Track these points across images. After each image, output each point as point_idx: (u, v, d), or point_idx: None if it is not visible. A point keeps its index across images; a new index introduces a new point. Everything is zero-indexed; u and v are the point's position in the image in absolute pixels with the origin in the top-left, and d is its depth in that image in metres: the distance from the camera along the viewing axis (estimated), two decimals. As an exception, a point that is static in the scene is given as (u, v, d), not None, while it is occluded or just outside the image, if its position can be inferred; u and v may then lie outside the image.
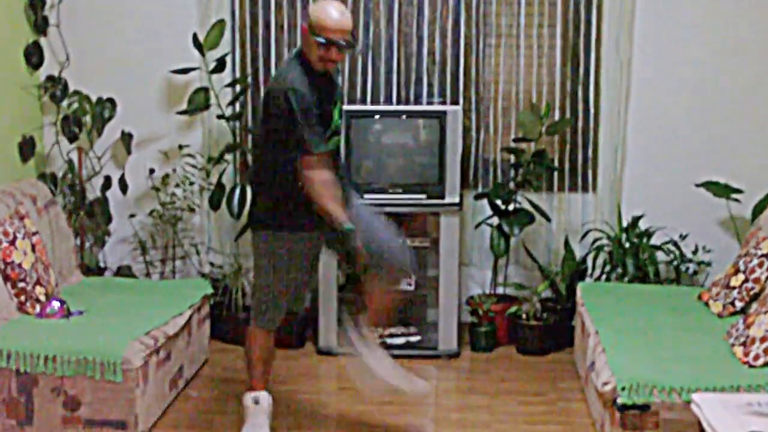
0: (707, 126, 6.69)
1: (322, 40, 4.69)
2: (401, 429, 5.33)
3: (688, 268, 6.56)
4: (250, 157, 6.73)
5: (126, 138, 6.73)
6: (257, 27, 6.84)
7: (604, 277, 6.50)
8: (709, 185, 6.52)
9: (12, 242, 5.43)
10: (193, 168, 6.78)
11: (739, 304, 5.49)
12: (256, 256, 5.13)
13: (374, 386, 5.03)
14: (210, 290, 6.30)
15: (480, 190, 6.80)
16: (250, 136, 6.86)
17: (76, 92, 6.68)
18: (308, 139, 4.73)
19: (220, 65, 6.55)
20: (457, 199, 6.30)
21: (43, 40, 6.72)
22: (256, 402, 5.14)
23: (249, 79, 6.82)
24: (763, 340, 4.78)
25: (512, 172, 6.71)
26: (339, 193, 4.84)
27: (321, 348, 6.47)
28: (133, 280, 6.60)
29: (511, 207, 6.62)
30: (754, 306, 5.27)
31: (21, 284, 5.43)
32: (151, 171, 6.83)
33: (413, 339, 6.50)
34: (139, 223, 6.94)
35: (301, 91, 4.73)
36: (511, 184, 6.65)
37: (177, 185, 6.79)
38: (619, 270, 6.39)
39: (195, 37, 6.49)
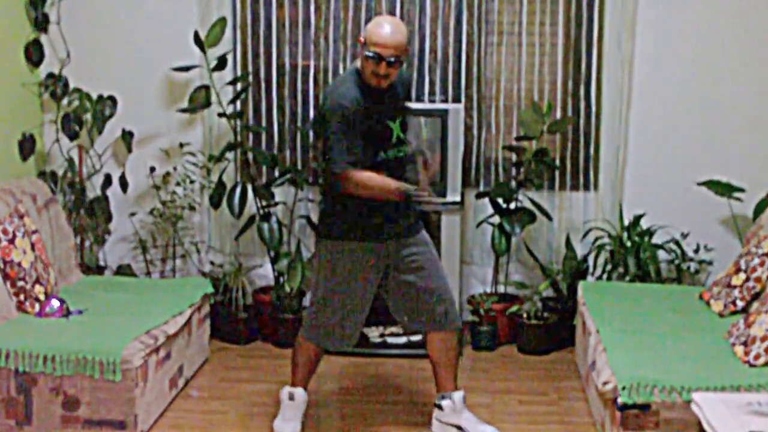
0: (709, 124, 6.67)
1: (370, 53, 4.74)
2: (402, 429, 5.32)
3: (689, 267, 6.54)
4: (250, 156, 6.72)
5: (126, 136, 6.72)
6: (258, 24, 6.83)
7: (605, 276, 6.49)
8: (710, 184, 6.51)
9: (11, 241, 5.43)
10: (193, 166, 6.78)
11: (740, 303, 5.49)
12: (314, 267, 5.16)
13: None
14: (210, 289, 6.29)
15: (481, 188, 6.79)
16: (251, 135, 6.87)
17: (77, 90, 6.68)
18: (332, 157, 4.81)
19: (221, 63, 6.54)
20: (458, 198, 6.29)
21: (43, 38, 6.72)
22: (291, 398, 5.24)
23: (250, 77, 6.82)
24: (763, 339, 4.78)
25: (514, 171, 6.70)
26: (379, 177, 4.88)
27: (321, 347, 6.47)
28: (133, 279, 6.59)
29: (512, 205, 6.61)
30: (755, 305, 5.27)
31: (20, 283, 5.42)
32: (152, 169, 6.81)
33: (414, 338, 6.48)
34: (140, 221, 6.94)
35: (346, 107, 4.79)
36: (513, 183, 6.64)
37: (177, 183, 6.78)
38: (621, 269, 6.38)
39: (196, 34, 6.47)
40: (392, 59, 4.74)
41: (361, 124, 4.81)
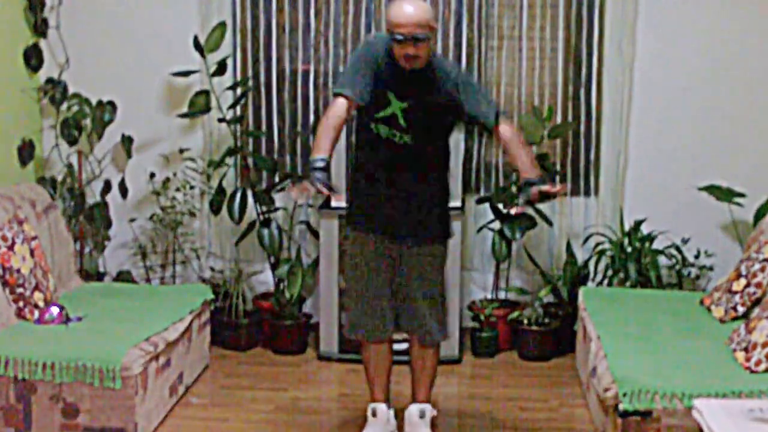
0: (709, 129, 6.67)
1: (397, 37, 4.64)
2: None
3: (690, 273, 6.54)
4: (250, 161, 6.71)
5: (126, 141, 6.71)
6: (258, 29, 6.82)
7: (606, 281, 6.48)
8: (711, 189, 6.50)
9: (10, 247, 5.41)
10: (193, 172, 6.77)
11: (741, 309, 5.47)
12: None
13: None
14: (210, 295, 6.27)
15: (482, 194, 6.78)
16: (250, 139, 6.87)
17: (76, 95, 6.67)
18: (338, 78, 4.88)
19: (221, 68, 6.52)
20: (458, 204, 6.27)
21: (42, 43, 6.71)
22: (374, 414, 5.17)
23: (250, 82, 6.80)
24: (764, 345, 4.76)
25: (514, 176, 6.68)
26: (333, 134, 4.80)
27: (322, 354, 6.46)
28: (132, 285, 6.56)
29: (512, 211, 6.59)
30: (756, 311, 5.25)
31: (19, 290, 5.41)
32: (152, 175, 6.80)
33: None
34: (139, 227, 6.92)
35: (373, 43, 4.88)
36: (513, 188, 6.62)
37: (177, 189, 6.77)
38: (621, 274, 6.37)
39: (196, 39, 6.46)
40: (420, 36, 4.63)
41: (374, 71, 4.79)
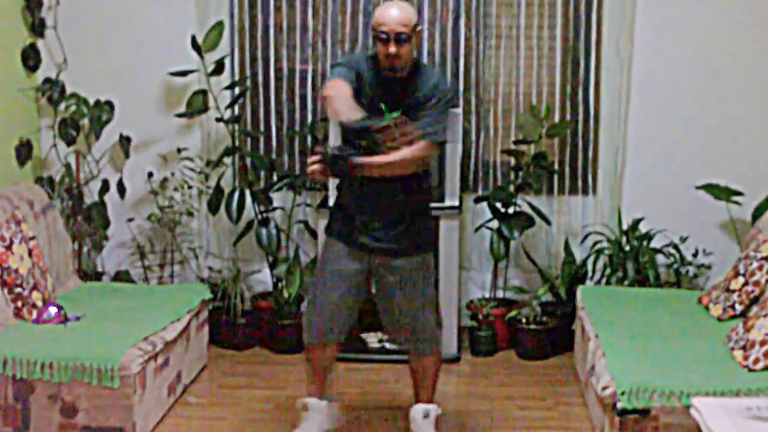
0: (708, 128, 6.67)
1: (380, 35, 4.71)
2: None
3: (688, 271, 6.54)
4: (248, 161, 6.71)
5: (124, 141, 6.71)
6: (256, 29, 6.81)
7: (604, 280, 6.48)
8: (709, 188, 6.50)
9: (8, 247, 5.41)
10: (191, 171, 6.76)
11: (739, 308, 5.48)
12: None
13: None
14: (208, 295, 6.27)
15: (480, 193, 6.78)
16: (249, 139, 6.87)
17: (74, 95, 6.65)
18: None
19: (219, 67, 6.52)
20: (456, 203, 6.27)
21: (40, 43, 6.71)
22: (305, 408, 5.15)
23: (248, 82, 6.80)
24: (762, 343, 4.77)
25: (512, 175, 6.68)
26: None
27: (320, 352, 6.45)
28: (131, 285, 6.56)
29: (510, 210, 6.59)
30: (754, 309, 5.26)
31: (17, 290, 5.41)
32: (150, 174, 6.79)
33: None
34: (138, 227, 6.92)
35: (349, 58, 4.93)
36: (511, 187, 6.62)
37: (175, 189, 6.76)
38: (620, 273, 6.37)
39: (193, 39, 6.46)
40: (401, 36, 4.68)
41: (357, 77, 4.79)
